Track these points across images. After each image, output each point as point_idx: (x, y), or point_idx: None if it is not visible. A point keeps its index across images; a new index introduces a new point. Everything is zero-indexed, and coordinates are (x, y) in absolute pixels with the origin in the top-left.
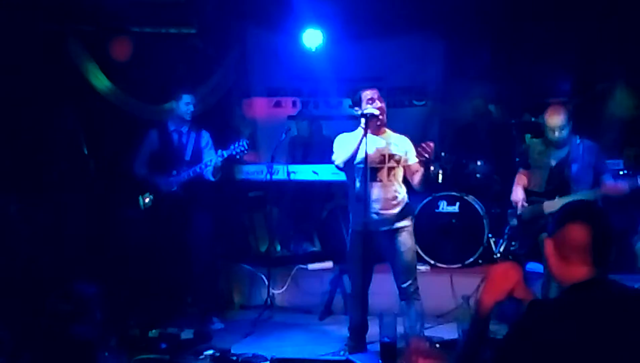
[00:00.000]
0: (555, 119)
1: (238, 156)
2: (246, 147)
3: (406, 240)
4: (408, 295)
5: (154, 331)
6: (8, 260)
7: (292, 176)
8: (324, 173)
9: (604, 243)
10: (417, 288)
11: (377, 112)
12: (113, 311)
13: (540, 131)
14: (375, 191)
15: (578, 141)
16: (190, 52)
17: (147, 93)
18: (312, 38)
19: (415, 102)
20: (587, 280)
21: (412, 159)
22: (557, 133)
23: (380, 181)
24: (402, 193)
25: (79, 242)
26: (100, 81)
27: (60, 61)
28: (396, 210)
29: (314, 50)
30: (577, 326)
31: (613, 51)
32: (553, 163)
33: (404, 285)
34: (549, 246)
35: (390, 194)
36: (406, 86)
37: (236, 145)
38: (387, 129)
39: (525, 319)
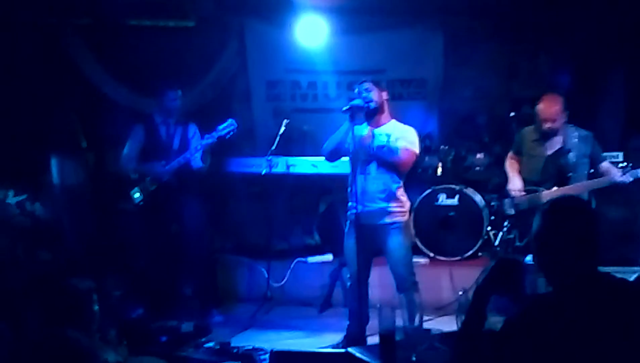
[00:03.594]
0: (549, 111)
1: (228, 136)
2: (235, 126)
3: (398, 235)
4: (405, 289)
5: (154, 324)
6: (7, 254)
7: (292, 169)
8: (323, 166)
9: (591, 238)
10: (415, 282)
11: (357, 102)
12: (113, 305)
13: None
14: (364, 184)
15: (574, 130)
16: (189, 45)
17: (146, 87)
18: (311, 30)
19: (415, 95)
20: (577, 275)
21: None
22: (549, 124)
23: (369, 173)
24: (393, 187)
25: (79, 236)
26: (99, 75)
27: (59, 55)
28: (384, 204)
29: (312, 42)
30: (572, 320)
31: (613, 42)
32: (549, 151)
33: (399, 280)
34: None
35: (378, 187)
36: (406, 79)
37: (225, 125)
38: (390, 121)
39: (521, 314)
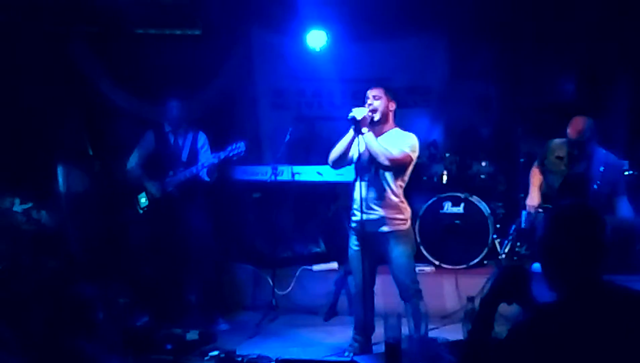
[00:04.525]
0: (575, 132)
1: (234, 158)
2: (243, 149)
3: (398, 243)
4: (408, 297)
5: (159, 332)
6: (13, 261)
7: (297, 177)
8: (328, 173)
9: (597, 245)
10: (419, 290)
11: (353, 113)
12: (118, 312)
13: (543, 130)
14: (363, 191)
15: (605, 156)
16: (195, 53)
17: (151, 95)
18: (317, 39)
19: (420, 103)
20: (583, 284)
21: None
22: (576, 147)
23: (367, 180)
24: (390, 194)
25: (84, 243)
26: (106, 83)
27: (65, 63)
28: (382, 212)
29: (318, 51)
30: (576, 329)
31: (618, 49)
32: (569, 171)
33: (402, 288)
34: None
35: (376, 193)
36: (410, 87)
37: (233, 147)
38: (393, 129)
39: (524, 323)
